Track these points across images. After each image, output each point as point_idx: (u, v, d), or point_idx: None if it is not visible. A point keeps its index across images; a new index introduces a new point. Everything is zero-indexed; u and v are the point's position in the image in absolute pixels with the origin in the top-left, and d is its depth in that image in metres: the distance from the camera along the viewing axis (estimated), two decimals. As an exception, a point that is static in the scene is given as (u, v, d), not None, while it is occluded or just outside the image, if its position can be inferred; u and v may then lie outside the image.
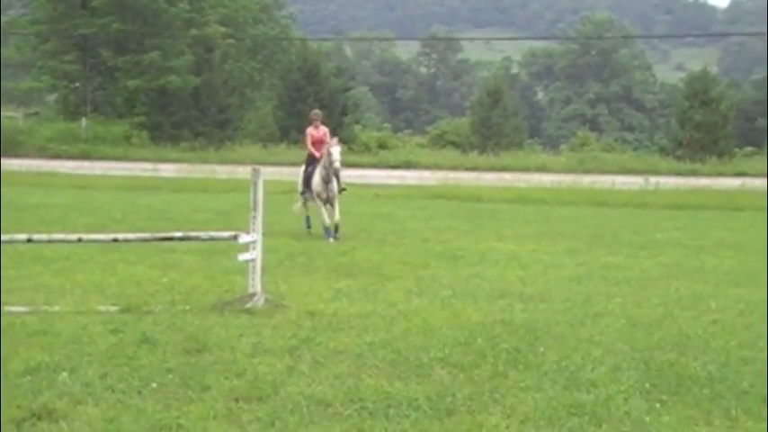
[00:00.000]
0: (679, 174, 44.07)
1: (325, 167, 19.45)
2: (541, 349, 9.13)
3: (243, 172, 26.66)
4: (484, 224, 22.72)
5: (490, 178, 38.37)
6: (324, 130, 20.37)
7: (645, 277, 14.52)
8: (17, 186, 30.56)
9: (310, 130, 20.33)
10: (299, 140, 53.14)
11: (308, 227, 20.17)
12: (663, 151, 57.61)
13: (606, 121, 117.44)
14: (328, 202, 19.52)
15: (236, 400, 7.32)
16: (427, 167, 45.04)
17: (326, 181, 19.46)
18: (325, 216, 19.30)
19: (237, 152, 49.74)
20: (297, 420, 6.89)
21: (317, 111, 21.41)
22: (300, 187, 20.55)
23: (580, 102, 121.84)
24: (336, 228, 19.31)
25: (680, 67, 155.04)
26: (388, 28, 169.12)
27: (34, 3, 58.96)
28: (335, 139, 19.81)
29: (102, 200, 26.43)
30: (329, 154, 19.39)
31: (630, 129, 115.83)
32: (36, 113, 62.45)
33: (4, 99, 74.87)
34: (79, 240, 12.06)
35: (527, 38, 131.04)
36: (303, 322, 10.29)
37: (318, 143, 20.18)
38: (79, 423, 6.71)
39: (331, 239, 18.73)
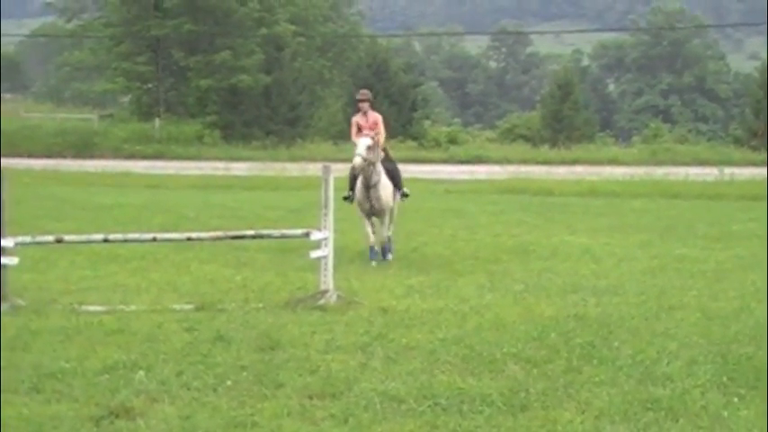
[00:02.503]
0: (754, 164, 43.34)
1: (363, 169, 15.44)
2: (616, 344, 9.06)
3: (314, 169, 26.75)
4: (555, 218, 22.57)
5: (561, 172, 38.09)
6: (375, 117, 16.05)
7: (720, 269, 14.34)
8: (93, 187, 30.97)
9: (357, 119, 16.10)
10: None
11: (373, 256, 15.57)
12: (737, 142, 56.70)
13: (679, 113, 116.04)
14: (374, 214, 15.77)
15: (310, 397, 7.36)
16: (497, 162, 44.79)
17: (367, 186, 15.52)
18: (368, 230, 15.69)
19: (308, 149, 49.88)
20: (370, 417, 6.91)
21: (364, 90, 16.75)
22: (349, 194, 16.17)
23: (652, 93, 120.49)
24: (385, 248, 15.83)
25: (754, 56, 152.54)
26: (457, 23, 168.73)
27: (108, 6, 59.66)
28: (369, 126, 15.82)
29: (175, 199, 26.68)
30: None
31: (704, 119, 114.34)
32: (110, 115, 63.18)
33: (79, 101, 75.99)
34: (154, 240, 12.21)
35: (597, 30, 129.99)
36: (375, 319, 10.31)
37: None
38: (156, 421, 6.79)
39: (374, 263, 15.09)
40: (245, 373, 7.97)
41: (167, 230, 12.36)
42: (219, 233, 12.90)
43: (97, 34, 60.72)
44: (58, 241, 11.88)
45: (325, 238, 11.53)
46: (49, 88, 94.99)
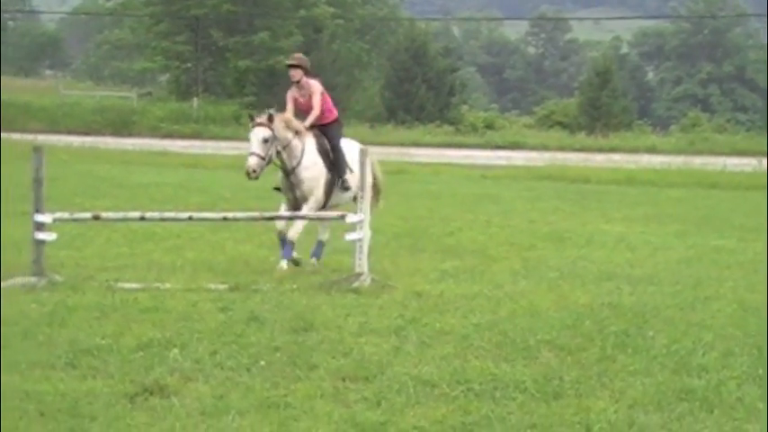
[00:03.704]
0: (793, 155, 42.96)
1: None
2: (650, 333, 9.01)
3: (350, 152, 26.76)
4: (591, 206, 22.47)
5: (598, 159, 37.90)
6: (311, 88, 12.95)
7: (757, 261, 14.21)
8: (130, 165, 31.11)
9: (292, 93, 13.26)
10: (406, 121, 53.26)
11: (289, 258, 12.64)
12: (777, 132, 56.23)
13: (718, 102, 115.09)
14: (301, 201, 12.84)
15: (343, 380, 7.37)
16: (534, 148, 44.63)
17: (286, 171, 12.72)
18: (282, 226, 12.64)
19: (345, 132, 49.89)
20: (403, 401, 6.91)
21: (297, 54, 13.93)
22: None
23: (691, 82, 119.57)
24: (317, 247, 13.12)
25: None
26: (496, 8, 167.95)
27: (149, -15, 59.93)
28: (305, 103, 12.96)
29: (211, 179, 26.78)
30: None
31: (743, 109, 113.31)
32: (149, 93, 63.47)
33: (118, 79, 76.31)
34: (190, 219, 12.27)
35: (637, 17, 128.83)
36: (409, 302, 10.31)
37: (308, 112, 12.95)
38: (189, 399, 6.83)
39: (284, 263, 12.45)
40: (278, 354, 8.00)
41: (203, 210, 12.40)
42: (255, 213, 12.96)
43: (137, 13, 60.98)
44: (96, 218, 11.97)
45: (361, 221, 11.55)
46: (88, 66, 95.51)
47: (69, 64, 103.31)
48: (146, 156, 34.94)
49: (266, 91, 56.42)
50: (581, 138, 50.87)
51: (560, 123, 58.50)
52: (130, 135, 45.85)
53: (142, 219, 12.04)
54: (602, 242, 15.98)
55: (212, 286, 11.03)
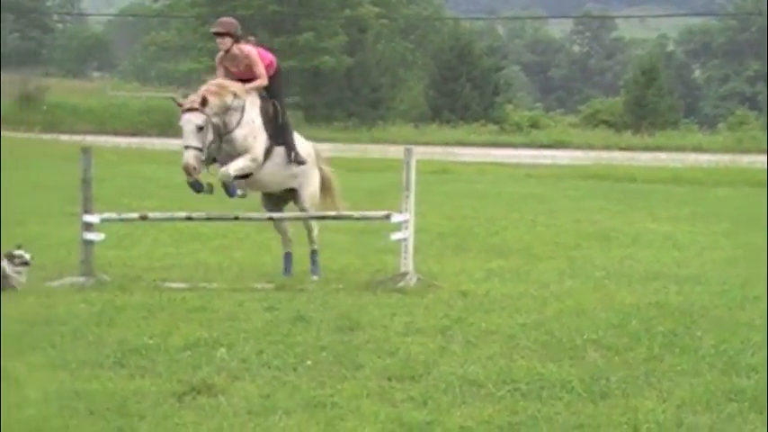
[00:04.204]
0: (842, 153, 42.48)
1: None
2: (698, 333, 8.94)
3: (395, 151, 26.72)
4: (637, 205, 22.32)
5: (644, 158, 37.65)
6: (245, 54, 11.30)
7: (807, 261, 14.05)
8: (176, 166, 31.17)
9: (222, 61, 11.65)
10: (450, 120, 53.19)
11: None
12: (825, 131, 55.61)
13: (766, 100, 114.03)
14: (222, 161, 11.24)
15: (389, 379, 7.38)
16: (579, 147, 44.46)
17: (219, 133, 11.05)
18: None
19: (389, 132, 49.96)
20: (449, 400, 6.91)
21: (222, 19, 12.00)
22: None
23: (738, 80, 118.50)
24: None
25: None
26: (540, 6, 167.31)
27: (195, -15, 60.33)
28: (240, 71, 11.39)
29: (257, 179, 26.81)
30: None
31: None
32: (194, 94, 63.79)
33: (164, 80, 76.77)
34: (236, 219, 12.33)
35: (684, 14, 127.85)
36: (455, 302, 10.30)
37: (245, 81, 11.37)
38: (237, 398, 6.86)
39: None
40: (324, 354, 8.02)
41: (250, 210, 12.46)
42: (301, 213, 12.97)
43: (183, 14, 61.41)
44: (143, 218, 12.06)
45: (406, 221, 11.54)
46: (135, 67, 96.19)
47: (116, 65, 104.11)
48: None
49: (311, 91, 56.67)
50: (627, 136, 50.63)
51: (606, 122, 58.24)
52: (176, 136, 46.11)
53: (189, 219, 12.12)
54: (649, 241, 15.88)
55: (258, 286, 11.09)
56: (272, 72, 11.58)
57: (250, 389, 7.09)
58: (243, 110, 11.08)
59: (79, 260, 11.40)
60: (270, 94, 11.59)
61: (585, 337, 8.67)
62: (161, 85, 75.53)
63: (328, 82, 57.19)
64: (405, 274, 11.38)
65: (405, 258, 11.49)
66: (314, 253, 12.34)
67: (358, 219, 12.73)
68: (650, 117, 57.66)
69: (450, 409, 6.75)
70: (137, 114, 50.87)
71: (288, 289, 10.81)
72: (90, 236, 11.36)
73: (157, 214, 12.77)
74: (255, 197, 12.41)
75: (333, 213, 12.56)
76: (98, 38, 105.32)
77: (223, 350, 8.01)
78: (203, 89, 11.05)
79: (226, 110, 10.97)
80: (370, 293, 10.70)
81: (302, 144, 12.06)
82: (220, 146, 11.01)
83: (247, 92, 11.23)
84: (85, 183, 11.40)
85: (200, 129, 10.66)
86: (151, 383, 7.16)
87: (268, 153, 11.37)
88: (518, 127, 54.04)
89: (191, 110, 10.71)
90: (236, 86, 11.14)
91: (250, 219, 12.69)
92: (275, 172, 11.69)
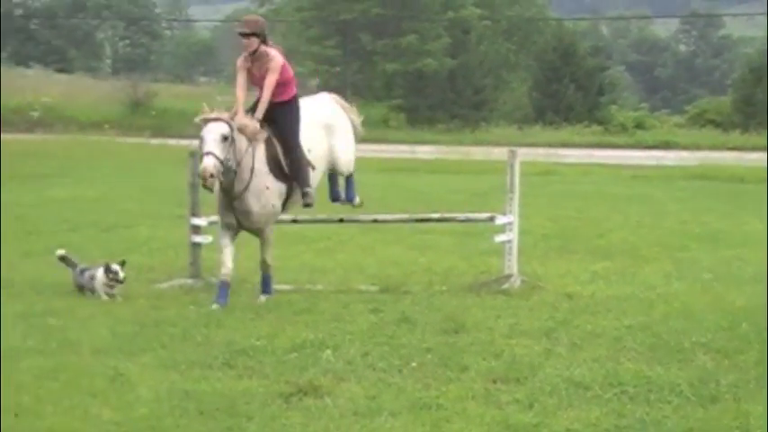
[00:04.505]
0: None
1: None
2: (811, 335, 8.75)
3: (498, 153, 26.66)
4: (746, 205, 21.88)
5: (753, 158, 36.88)
6: (273, 63, 10.30)
7: None
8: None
9: (243, 63, 10.50)
10: (554, 121, 52.85)
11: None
12: None
13: None
14: (243, 229, 10.67)
15: (494, 381, 7.37)
16: (686, 147, 43.80)
17: (230, 195, 10.29)
18: (225, 255, 10.47)
19: (492, 133, 49.83)
20: (555, 403, 6.88)
21: (249, 18, 10.83)
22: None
23: None
24: (266, 279, 10.74)
25: None
26: (646, 5, 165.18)
27: (300, -10, 61.05)
28: (261, 75, 10.43)
29: (361, 181, 26.91)
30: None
31: None
32: (299, 98, 64.53)
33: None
34: (341, 221, 12.40)
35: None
36: (560, 304, 10.24)
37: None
38: (343, 400, 6.91)
39: (216, 306, 9.93)
40: (429, 356, 8.04)
41: (353, 212, 12.53)
42: (405, 216, 13.03)
43: (288, 19, 62.14)
44: (249, 221, 12.17)
45: (510, 223, 11.51)
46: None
47: (222, 70, 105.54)
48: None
49: (414, 93, 56.81)
50: (735, 136, 49.72)
51: (713, 122, 57.24)
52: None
53: (294, 221, 12.23)
54: (758, 242, 15.54)
55: (363, 288, 11.16)
56: (290, 96, 10.64)
57: (356, 390, 7.13)
58: (253, 169, 10.23)
59: (188, 262, 11.60)
60: (279, 127, 10.54)
61: (694, 339, 8.55)
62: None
63: (431, 84, 57.30)
64: (509, 275, 11.36)
65: (509, 260, 11.47)
66: (349, 182, 11.70)
67: (462, 221, 12.73)
68: (759, 116, 56.47)
69: (557, 411, 6.72)
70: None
71: (392, 291, 10.86)
72: (198, 238, 11.56)
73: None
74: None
75: (436, 216, 12.59)
76: (205, 43, 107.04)
77: (329, 352, 8.07)
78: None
79: (240, 159, 10.15)
80: (474, 295, 10.70)
81: (316, 120, 11.00)
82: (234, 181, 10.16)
83: (259, 133, 10.29)
84: (193, 186, 11.58)
85: (225, 139, 9.95)
86: (259, 384, 7.25)
87: (289, 194, 10.67)
88: (623, 128, 53.43)
89: (217, 120, 10.09)
90: (254, 130, 10.28)
91: (354, 221, 12.76)
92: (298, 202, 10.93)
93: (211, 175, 9.78)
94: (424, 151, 38.30)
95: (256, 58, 10.37)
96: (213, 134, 9.93)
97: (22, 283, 11.04)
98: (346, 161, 11.45)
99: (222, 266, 10.35)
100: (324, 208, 12.16)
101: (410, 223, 13.33)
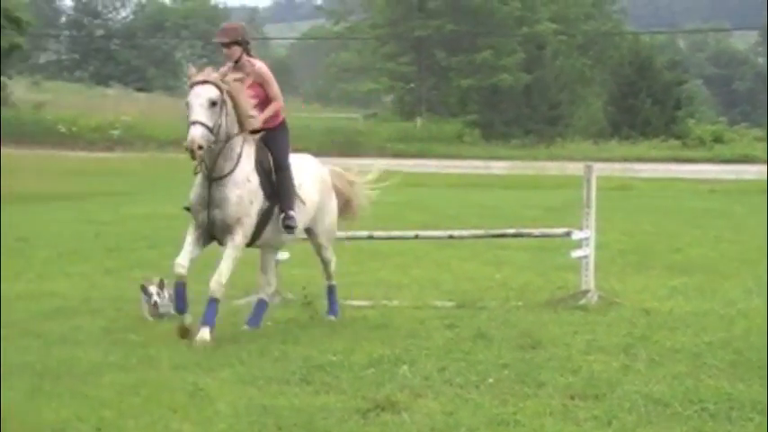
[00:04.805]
0: None
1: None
2: None
3: (573, 168, 26.53)
4: (830, 220, 21.49)
5: (836, 172, 36.28)
6: (266, 75, 9.85)
7: None
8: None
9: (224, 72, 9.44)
10: (630, 136, 52.41)
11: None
12: None
13: None
14: (213, 233, 9.51)
15: (572, 398, 7.33)
16: (765, 161, 43.16)
17: (210, 177, 9.28)
18: (183, 256, 9.32)
19: (568, 148, 49.56)
20: (634, 420, 6.82)
21: (228, 26, 10.26)
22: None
23: None
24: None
25: None
26: (724, 18, 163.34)
27: (374, 8, 61.35)
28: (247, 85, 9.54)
29: (435, 197, 26.99)
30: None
31: None
32: (374, 114, 64.78)
33: (344, 101, 78.13)
34: (416, 237, 12.44)
35: None
36: (638, 320, 10.16)
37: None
38: (420, 415, 6.91)
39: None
40: (506, 371, 8.02)
41: (427, 228, 12.56)
42: (480, 231, 13.02)
43: (363, 36, 62.52)
44: (326, 238, 12.24)
45: (587, 238, 11.45)
46: (316, 89, 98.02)
47: (297, 87, 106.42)
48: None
49: (489, 109, 56.77)
50: (816, 149, 48.91)
51: (794, 135, 56.35)
52: (358, 155, 46.77)
53: (370, 237, 12.27)
54: (842, 259, 15.28)
55: (438, 303, 11.17)
56: (277, 123, 10.10)
57: (433, 406, 7.13)
58: (240, 157, 9.34)
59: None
60: (270, 148, 9.83)
61: (776, 356, 8.42)
62: (341, 105, 76.86)
63: (506, 99, 57.24)
64: (586, 291, 11.29)
65: (586, 276, 11.40)
66: (331, 290, 10.72)
67: (538, 236, 12.68)
68: (841, 129, 55.58)
69: (636, 428, 6.66)
70: (320, 134, 51.81)
71: (468, 306, 10.86)
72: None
73: (340, 233, 12.97)
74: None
75: (512, 231, 12.56)
76: (281, 61, 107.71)
77: (405, 367, 8.09)
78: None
79: (228, 138, 9.29)
80: (550, 311, 10.65)
81: (314, 172, 10.54)
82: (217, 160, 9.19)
83: (251, 133, 9.56)
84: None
85: (214, 104, 8.96)
86: (336, 400, 7.29)
87: (269, 215, 9.61)
88: (701, 141, 52.85)
89: (204, 82, 9.05)
90: (251, 115, 9.49)
91: (430, 237, 12.77)
92: (280, 230, 9.78)
93: (200, 147, 8.77)
94: (499, 167, 38.18)
95: (239, 69, 9.52)
96: (200, 99, 8.95)
97: (103, 299, 11.22)
98: (330, 224, 10.62)
99: (177, 266, 9.19)
100: (399, 224, 12.20)
101: (485, 239, 13.31)
